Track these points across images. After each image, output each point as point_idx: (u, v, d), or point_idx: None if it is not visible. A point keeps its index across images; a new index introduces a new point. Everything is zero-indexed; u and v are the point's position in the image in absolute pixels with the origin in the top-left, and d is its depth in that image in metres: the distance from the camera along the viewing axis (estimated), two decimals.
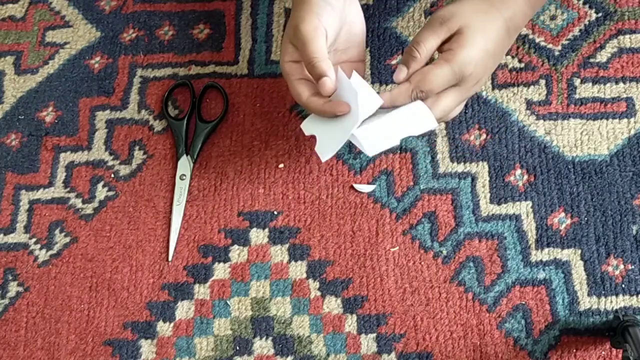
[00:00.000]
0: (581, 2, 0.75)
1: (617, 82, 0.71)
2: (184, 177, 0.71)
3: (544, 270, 0.65)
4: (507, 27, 0.59)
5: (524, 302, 0.65)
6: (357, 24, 0.63)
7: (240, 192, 0.70)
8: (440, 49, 0.59)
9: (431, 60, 0.58)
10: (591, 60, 0.72)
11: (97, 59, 0.78)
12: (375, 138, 0.58)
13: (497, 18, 0.58)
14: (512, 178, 0.69)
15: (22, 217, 0.71)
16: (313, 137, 0.61)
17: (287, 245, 0.68)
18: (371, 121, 0.58)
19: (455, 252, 0.67)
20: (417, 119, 0.58)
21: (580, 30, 0.74)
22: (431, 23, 0.58)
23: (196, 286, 0.67)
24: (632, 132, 0.70)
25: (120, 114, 0.75)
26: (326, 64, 0.57)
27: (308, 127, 0.62)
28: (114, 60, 0.77)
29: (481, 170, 0.69)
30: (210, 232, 0.69)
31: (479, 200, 0.68)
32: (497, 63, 0.62)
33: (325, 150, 0.60)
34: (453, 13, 0.57)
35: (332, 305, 0.66)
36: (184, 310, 0.67)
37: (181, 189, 0.71)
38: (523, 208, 0.68)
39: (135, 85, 0.76)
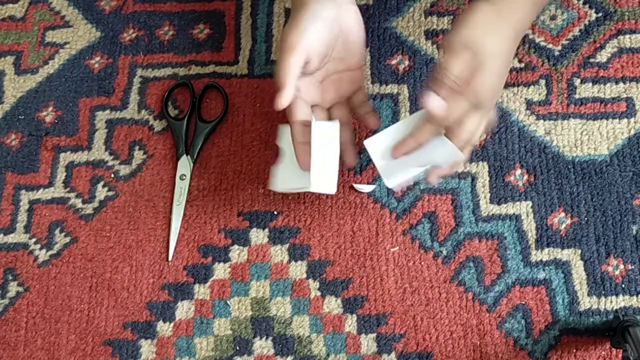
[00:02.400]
0: (581, 2, 0.75)
1: (617, 82, 0.71)
2: (184, 177, 0.71)
3: (544, 270, 0.65)
4: (515, 34, 0.59)
5: (524, 302, 0.65)
6: (354, 32, 0.62)
7: (240, 192, 0.70)
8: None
9: None
10: (591, 60, 0.72)
11: (97, 59, 0.78)
12: (396, 173, 0.61)
13: (506, 28, 0.58)
14: (512, 178, 0.69)
15: (22, 217, 0.71)
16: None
17: (287, 245, 0.68)
18: (389, 157, 0.61)
19: (455, 252, 0.67)
20: (441, 152, 0.60)
21: (580, 30, 0.74)
22: (455, 49, 0.56)
23: (196, 286, 0.67)
24: (632, 132, 0.70)
25: (120, 114, 0.75)
26: (287, 80, 0.58)
27: (279, 183, 0.64)
28: (114, 60, 0.77)
29: (481, 170, 0.69)
30: (210, 232, 0.69)
31: (479, 200, 0.68)
32: (508, 69, 0.61)
33: (328, 183, 0.62)
34: (475, 39, 0.56)
35: (332, 305, 0.66)
36: (184, 310, 0.67)
37: (181, 189, 0.71)
38: (523, 208, 0.68)
39: (135, 85, 0.76)
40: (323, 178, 0.61)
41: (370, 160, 0.70)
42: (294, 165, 0.63)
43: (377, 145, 0.62)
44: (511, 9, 0.58)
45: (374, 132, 0.64)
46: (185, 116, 0.73)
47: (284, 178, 0.64)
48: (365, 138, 0.63)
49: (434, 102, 0.57)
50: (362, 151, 0.71)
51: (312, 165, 0.61)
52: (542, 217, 0.67)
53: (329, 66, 0.63)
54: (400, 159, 0.61)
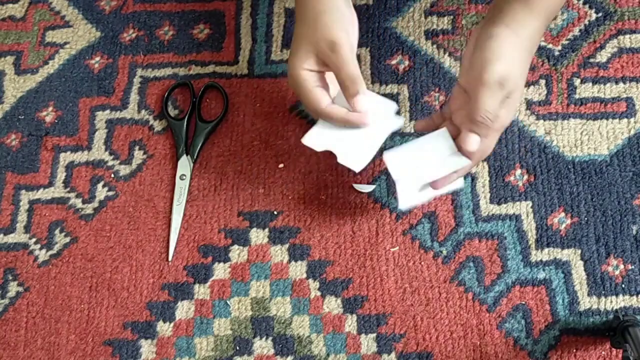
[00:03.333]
0: (581, 2, 0.75)
1: (617, 82, 0.71)
2: (184, 177, 0.71)
3: (544, 270, 0.65)
4: (531, 57, 0.59)
5: (524, 302, 0.65)
6: (356, 34, 0.63)
7: (240, 192, 0.70)
8: None
9: None
10: (591, 60, 0.72)
11: (97, 59, 0.78)
12: (411, 197, 0.63)
13: (527, 55, 0.58)
14: (512, 178, 0.69)
15: (22, 217, 0.71)
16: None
17: (287, 245, 0.68)
18: (408, 178, 0.62)
19: (455, 252, 0.67)
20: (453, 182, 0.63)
21: (580, 30, 0.74)
22: (492, 87, 0.55)
23: (196, 286, 0.67)
24: (632, 132, 0.70)
25: (120, 114, 0.75)
26: (362, 83, 0.59)
27: (316, 141, 0.63)
28: (114, 60, 0.77)
29: (481, 170, 0.69)
30: (210, 232, 0.69)
31: (479, 200, 0.68)
32: None
33: (357, 160, 0.62)
34: (508, 74, 0.55)
35: (332, 305, 0.66)
36: (184, 310, 0.67)
37: (181, 189, 0.71)
38: (523, 208, 0.68)
39: (135, 85, 0.76)
40: (355, 153, 0.62)
41: (370, 161, 0.70)
42: (335, 127, 0.63)
43: (397, 160, 0.62)
44: (528, 34, 0.57)
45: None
46: (185, 116, 0.73)
47: (322, 135, 0.63)
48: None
49: (474, 145, 0.57)
50: None
51: (351, 137, 0.62)
52: (542, 217, 0.67)
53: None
54: (416, 182, 0.62)
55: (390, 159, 0.62)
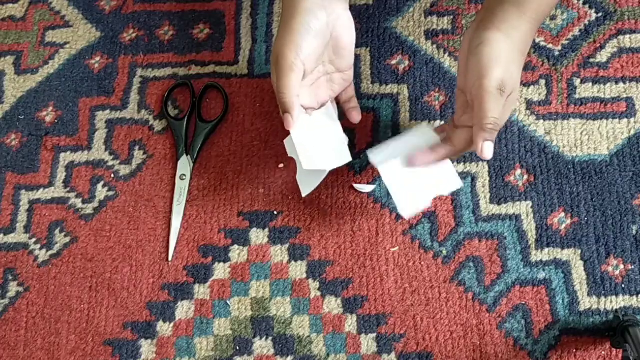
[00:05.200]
0: (581, 2, 0.75)
1: (617, 82, 0.71)
2: (184, 177, 0.71)
3: (544, 270, 0.65)
4: (524, 59, 0.59)
5: (524, 302, 0.65)
6: (345, 36, 0.63)
7: (240, 192, 0.70)
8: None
9: None
10: (591, 60, 0.72)
11: (97, 59, 0.78)
12: (410, 202, 0.63)
13: (520, 58, 0.58)
14: (512, 178, 0.69)
15: (22, 217, 0.71)
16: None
17: (287, 245, 0.68)
18: (403, 185, 0.63)
19: (455, 252, 0.67)
20: (445, 180, 0.63)
21: (580, 30, 0.74)
22: (494, 94, 0.56)
23: (196, 286, 0.67)
24: (632, 132, 0.70)
25: (120, 114, 0.75)
26: (292, 101, 0.59)
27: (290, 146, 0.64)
28: (114, 60, 0.77)
29: (481, 170, 0.69)
30: (210, 232, 0.69)
31: (479, 200, 0.68)
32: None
33: (307, 185, 0.64)
34: (506, 79, 0.56)
35: (332, 305, 0.66)
36: (184, 310, 0.67)
37: (181, 189, 0.71)
38: (523, 208, 0.68)
39: (135, 85, 0.76)
40: (337, 153, 0.64)
41: (369, 161, 0.70)
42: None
43: (381, 155, 0.64)
44: (520, 36, 0.58)
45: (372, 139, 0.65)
46: (185, 116, 0.73)
47: (309, 181, 0.65)
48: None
49: (490, 152, 0.57)
50: (360, 151, 0.71)
51: (321, 147, 0.63)
52: (542, 217, 0.67)
53: (320, 69, 0.64)
54: (410, 185, 0.63)
55: (383, 168, 0.63)
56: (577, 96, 0.71)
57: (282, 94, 0.60)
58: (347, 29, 0.62)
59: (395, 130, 0.71)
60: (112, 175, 0.72)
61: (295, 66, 0.59)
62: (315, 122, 0.64)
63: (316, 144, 0.63)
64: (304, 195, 0.64)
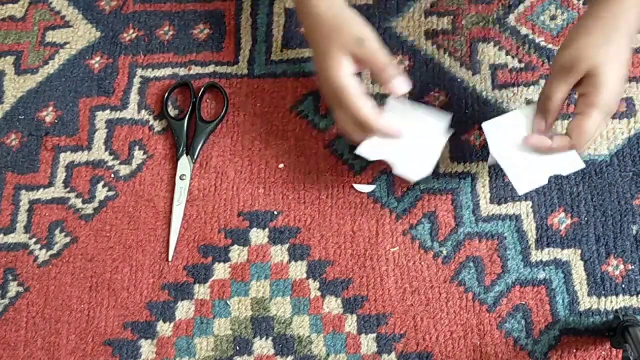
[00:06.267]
0: (581, 2, 0.75)
1: None
2: (184, 177, 0.71)
3: (544, 270, 0.65)
4: (629, 36, 0.58)
5: (524, 302, 0.65)
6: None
7: (240, 192, 0.70)
8: (576, 92, 0.60)
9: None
10: None
11: (97, 59, 0.78)
12: (527, 179, 0.61)
13: (619, 38, 0.57)
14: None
15: (22, 217, 0.71)
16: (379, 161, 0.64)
17: (287, 245, 0.68)
18: (521, 161, 0.62)
19: (455, 252, 0.67)
20: (566, 161, 0.61)
21: None
22: (557, 73, 0.57)
23: (196, 286, 0.67)
24: (632, 132, 0.70)
25: (120, 114, 0.75)
26: (373, 122, 0.60)
27: (371, 150, 0.63)
28: (114, 60, 0.77)
29: (481, 170, 0.69)
30: (210, 232, 0.69)
31: (479, 200, 0.68)
32: (627, 68, 0.60)
33: (415, 170, 0.63)
34: (576, 58, 0.57)
35: (332, 305, 0.66)
36: (184, 310, 0.67)
37: (181, 189, 0.71)
38: (523, 208, 0.68)
39: (135, 85, 0.76)
40: (413, 163, 0.63)
41: (369, 160, 0.70)
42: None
43: (495, 130, 0.63)
44: (617, 16, 0.57)
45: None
46: (185, 116, 0.73)
47: (376, 146, 0.63)
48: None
49: (540, 125, 0.59)
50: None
51: (407, 148, 0.63)
52: (542, 217, 0.67)
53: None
54: (525, 160, 0.62)
55: (488, 127, 0.63)
56: (577, 96, 0.71)
57: (364, 120, 0.60)
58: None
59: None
60: (112, 175, 0.72)
61: (358, 91, 0.60)
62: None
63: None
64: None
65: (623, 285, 0.64)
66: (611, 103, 0.58)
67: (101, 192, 0.72)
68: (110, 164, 0.73)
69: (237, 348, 0.65)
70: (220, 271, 0.68)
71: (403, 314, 0.65)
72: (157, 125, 0.74)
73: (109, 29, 0.79)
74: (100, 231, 0.70)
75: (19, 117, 0.76)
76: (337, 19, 0.60)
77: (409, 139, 0.63)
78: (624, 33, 0.58)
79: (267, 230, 0.69)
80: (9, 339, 0.67)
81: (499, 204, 0.68)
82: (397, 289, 0.66)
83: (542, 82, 0.72)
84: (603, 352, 0.63)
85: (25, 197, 0.72)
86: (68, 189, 0.72)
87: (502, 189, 0.68)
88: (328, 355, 0.64)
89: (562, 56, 0.58)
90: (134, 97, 0.75)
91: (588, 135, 0.58)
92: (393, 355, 0.64)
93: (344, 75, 0.60)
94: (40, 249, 0.70)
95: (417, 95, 0.72)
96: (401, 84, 0.60)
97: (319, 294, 0.66)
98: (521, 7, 0.75)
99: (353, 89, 0.60)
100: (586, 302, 0.64)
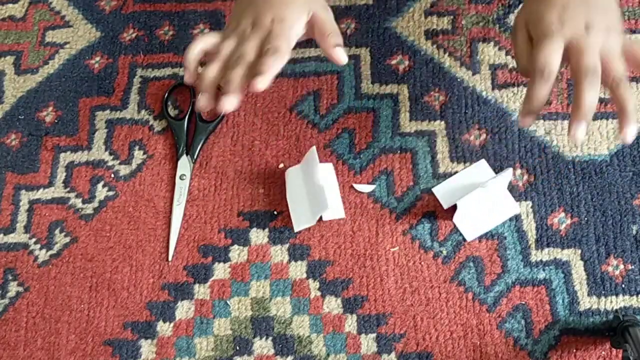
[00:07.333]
0: None
1: None
2: (184, 177, 0.71)
3: (544, 270, 0.65)
4: None
5: (524, 302, 0.65)
6: None
7: (240, 192, 0.70)
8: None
9: None
10: None
11: (97, 59, 0.78)
12: (473, 227, 0.67)
13: None
14: (512, 178, 0.69)
15: (22, 217, 0.71)
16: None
17: (287, 245, 0.68)
18: (470, 211, 0.66)
19: (455, 252, 0.67)
20: (505, 208, 0.67)
21: None
22: (545, 35, 0.57)
23: (196, 286, 0.67)
24: None
25: (120, 114, 0.75)
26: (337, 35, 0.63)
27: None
28: (114, 60, 0.77)
29: None
30: (210, 232, 0.69)
31: None
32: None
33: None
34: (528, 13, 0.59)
35: (332, 305, 0.66)
36: (184, 310, 0.67)
37: (181, 189, 0.71)
38: (523, 208, 0.68)
39: (135, 85, 0.76)
40: (332, 208, 0.68)
41: (370, 161, 0.70)
42: (304, 203, 0.68)
43: (443, 191, 0.68)
44: None
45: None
46: (185, 116, 0.73)
47: (303, 219, 0.68)
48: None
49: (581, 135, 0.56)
50: (360, 151, 0.71)
51: (320, 201, 0.66)
52: (542, 217, 0.67)
53: None
54: (475, 214, 0.66)
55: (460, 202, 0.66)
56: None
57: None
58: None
59: (395, 130, 0.71)
60: (112, 175, 0.72)
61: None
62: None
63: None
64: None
65: (623, 285, 0.64)
66: (597, 17, 0.56)
67: (101, 192, 0.72)
68: (110, 164, 0.73)
69: (237, 348, 0.65)
70: (220, 271, 0.68)
71: (403, 314, 0.65)
72: (157, 125, 0.74)
73: (109, 29, 0.79)
74: (100, 231, 0.70)
75: (19, 117, 0.76)
76: None
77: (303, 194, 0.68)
78: None
79: (267, 230, 0.69)
80: (9, 339, 0.67)
81: None
82: (397, 289, 0.66)
83: None
84: (603, 352, 0.63)
85: (25, 197, 0.72)
86: (68, 189, 0.72)
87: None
88: (328, 355, 0.64)
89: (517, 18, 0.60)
90: (134, 97, 0.75)
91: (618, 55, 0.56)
92: (393, 355, 0.64)
93: (296, 24, 0.61)
94: (40, 249, 0.70)
95: (417, 95, 0.72)
96: (343, 54, 0.61)
97: (319, 294, 0.66)
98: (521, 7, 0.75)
99: (293, 29, 0.61)
100: (586, 302, 0.64)
